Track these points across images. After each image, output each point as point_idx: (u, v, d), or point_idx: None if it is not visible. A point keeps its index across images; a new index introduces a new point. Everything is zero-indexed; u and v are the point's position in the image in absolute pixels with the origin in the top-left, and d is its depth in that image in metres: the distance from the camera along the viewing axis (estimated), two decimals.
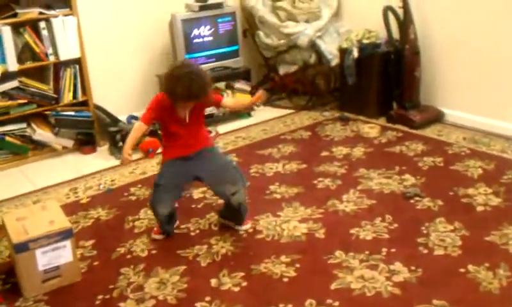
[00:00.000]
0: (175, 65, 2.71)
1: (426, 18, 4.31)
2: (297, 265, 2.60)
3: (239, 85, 4.78)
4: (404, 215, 3.01)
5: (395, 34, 4.37)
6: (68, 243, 2.50)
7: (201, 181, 2.89)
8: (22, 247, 2.41)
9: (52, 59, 4.04)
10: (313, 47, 4.69)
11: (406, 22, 4.25)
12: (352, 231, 2.87)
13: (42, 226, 2.49)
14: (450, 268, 2.51)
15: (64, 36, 4.01)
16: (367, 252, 2.67)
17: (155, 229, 2.96)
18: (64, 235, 2.48)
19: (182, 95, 2.57)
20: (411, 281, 2.44)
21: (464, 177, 3.42)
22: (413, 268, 2.52)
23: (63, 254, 2.50)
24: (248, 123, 4.71)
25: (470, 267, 2.49)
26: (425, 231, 2.83)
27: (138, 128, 2.75)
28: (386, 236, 2.81)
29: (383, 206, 3.12)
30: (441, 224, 2.89)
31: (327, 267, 2.58)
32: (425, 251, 2.66)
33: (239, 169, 3.02)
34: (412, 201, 3.16)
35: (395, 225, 2.90)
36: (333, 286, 2.43)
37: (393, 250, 2.68)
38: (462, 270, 2.49)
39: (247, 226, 2.95)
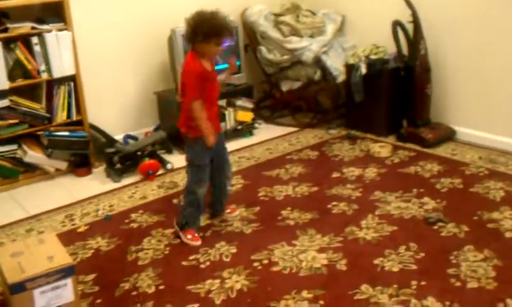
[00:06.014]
0: (200, 11, 2.69)
1: (437, 33, 4.14)
2: (321, 302, 2.38)
3: (240, 102, 4.56)
4: (430, 243, 2.81)
5: (404, 49, 4.21)
6: (69, 281, 2.25)
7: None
8: (18, 288, 2.16)
9: (44, 76, 3.79)
10: (318, 62, 4.49)
11: (416, 38, 4.09)
12: (376, 261, 2.66)
13: (40, 262, 2.24)
14: (487, 303, 2.32)
15: (58, 52, 3.77)
16: (395, 285, 2.46)
17: (189, 236, 2.93)
18: (65, 272, 2.24)
19: (223, 27, 2.66)
20: None
21: (486, 200, 3.24)
22: (447, 303, 2.33)
23: (64, 294, 2.26)
24: (251, 142, 4.49)
25: (509, 301, 2.30)
26: (454, 261, 2.63)
27: (201, 108, 2.74)
28: (414, 267, 2.60)
29: (405, 233, 2.92)
30: (470, 252, 2.70)
31: (354, 304, 2.36)
32: (458, 284, 2.46)
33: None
34: (435, 227, 2.96)
35: (422, 254, 2.70)
36: None
37: (423, 283, 2.47)
38: (501, 305, 2.30)
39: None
